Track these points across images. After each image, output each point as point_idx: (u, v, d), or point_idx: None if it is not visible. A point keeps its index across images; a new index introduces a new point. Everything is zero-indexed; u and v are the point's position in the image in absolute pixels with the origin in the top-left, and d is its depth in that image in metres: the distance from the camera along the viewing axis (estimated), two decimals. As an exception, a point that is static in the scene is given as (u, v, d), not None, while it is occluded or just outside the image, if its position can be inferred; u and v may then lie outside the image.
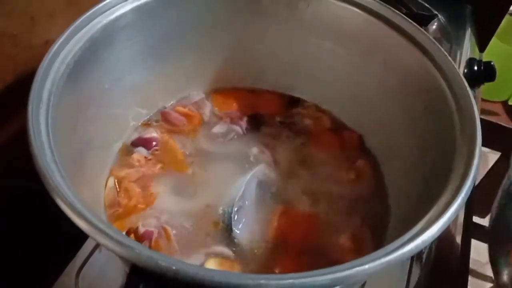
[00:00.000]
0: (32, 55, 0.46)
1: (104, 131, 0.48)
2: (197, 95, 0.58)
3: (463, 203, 0.32)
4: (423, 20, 0.72)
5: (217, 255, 0.43)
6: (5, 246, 0.47)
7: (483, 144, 0.36)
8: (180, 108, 0.56)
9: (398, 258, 0.28)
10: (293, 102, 0.60)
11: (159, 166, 0.50)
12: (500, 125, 0.93)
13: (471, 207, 0.60)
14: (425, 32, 0.46)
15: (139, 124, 0.54)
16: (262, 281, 0.26)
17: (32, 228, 0.50)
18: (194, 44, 0.54)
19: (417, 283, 0.46)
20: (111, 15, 0.44)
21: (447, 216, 0.31)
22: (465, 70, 0.70)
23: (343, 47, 0.53)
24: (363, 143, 0.55)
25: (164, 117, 0.55)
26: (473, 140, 0.36)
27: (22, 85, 0.35)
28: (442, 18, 0.77)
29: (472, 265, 0.55)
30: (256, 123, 0.57)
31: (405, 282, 0.46)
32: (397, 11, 0.48)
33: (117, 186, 0.48)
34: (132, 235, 0.44)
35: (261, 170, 0.51)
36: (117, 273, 0.43)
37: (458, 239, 0.56)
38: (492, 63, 0.69)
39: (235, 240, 0.45)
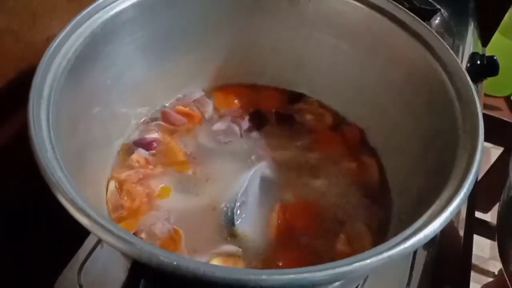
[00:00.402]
0: (34, 51, 0.46)
1: (106, 129, 0.48)
2: (198, 92, 0.58)
3: (465, 198, 0.32)
4: (426, 15, 0.72)
5: (221, 253, 0.43)
6: (7, 244, 0.47)
7: (486, 139, 0.36)
8: (181, 108, 0.56)
9: (399, 253, 0.28)
10: (295, 98, 0.59)
11: (159, 166, 0.50)
12: (503, 120, 0.93)
13: (473, 202, 0.60)
14: (428, 26, 0.45)
15: (141, 122, 0.54)
16: (264, 276, 0.26)
17: (34, 226, 0.50)
18: (196, 40, 0.54)
19: (419, 278, 0.46)
20: (112, 11, 0.44)
21: (449, 211, 0.31)
22: (468, 65, 0.70)
23: (345, 42, 0.53)
24: (365, 139, 0.55)
25: (164, 117, 0.55)
26: (476, 135, 0.36)
27: (24, 82, 0.35)
28: (445, 12, 0.77)
29: (474, 260, 0.55)
30: (258, 119, 0.56)
31: (407, 277, 0.46)
32: (399, 6, 0.48)
33: (119, 189, 0.48)
34: (143, 235, 0.44)
35: (263, 167, 0.51)
36: (119, 269, 0.43)
37: (461, 234, 0.56)
38: (495, 57, 0.69)
39: (238, 236, 0.45)
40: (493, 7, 0.83)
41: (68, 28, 0.40)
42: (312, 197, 0.49)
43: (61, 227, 0.33)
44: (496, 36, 0.87)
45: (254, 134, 0.55)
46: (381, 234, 0.45)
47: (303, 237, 0.46)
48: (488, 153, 1.02)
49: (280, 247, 0.45)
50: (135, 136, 0.53)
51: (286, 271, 0.26)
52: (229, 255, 0.43)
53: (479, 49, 0.83)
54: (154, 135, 0.53)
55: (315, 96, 0.59)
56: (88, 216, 0.28)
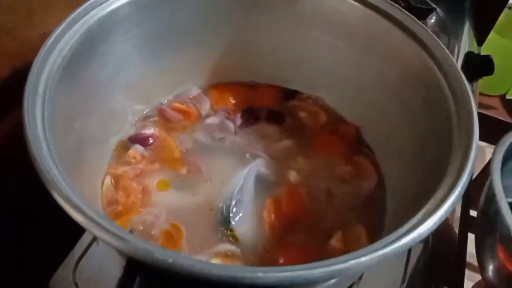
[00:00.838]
0: (30, 48, 0.45)
1: (102, 126, 0.48)
2: (195, 90, 0.58)
3: (460, 197, 0.32)
4: (422, 14, 0.72)
5: (220, 253, 0.43)
6: (7, 244, 0.47)
7: (480, 138, 0.36)
8: (177, 105, 0.56)
9: (394, 251, 0.29)
10: (291, 95, 0.59)
11: (156, 163, 0.50)
12: (498, 119, 0.93)
13: (468, 200, 0.60)
14: (424, 25, 0.46)
15: (137, 119, 0.54)
16: (259, 274, 0.26)
17: (30, 224, 0.50)
18: (192, 38, 0.54)
19: (414, 275, 0.46)
20: (108, 8, 0.44)
21: (444, 210, 0.31)
22: (463, 64, 0.70)
23: (342, 41, 0.53)
24: (361, 137, 0.55)
25: (160, 114, 0.55)
26: (470, 134, 0.36)
27: (19, 79, 0.35)
28: (441, 11, 0.77)
29: (469, 258, 0.56)
30: (253, 117, 0.56)
31: (401, 275, 0.46)
32: (395, 5, 0.48)
33: (115, 184, 0.47)
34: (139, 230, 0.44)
35: (258, 164, 0.51)
36: (115, 266, 0.43)
37: (455, 232, 0.57)
38: (490, 57, 0.69)
39: (234, 233, 0.45)
40: (489, 6, 0.83)
41: (63, 25, 0.40)
42: (307, 196, 0.49)
43: (61, 227, 0.33)
44: (492, 35, 0.87)
45: (248, 131, 0.55)
46: (376, 232, 0.45)
47: (299, 235, 0.46)
48: (482, 152, 1.02)
49: (276, 244, 0.45)
50: (131, 133, 0.52)
51: (281, 268, 0.26)
52: (227, 255, 0.44)
53: (475, 48, 0.83)
54: (150, 131, 0.53)
55: (312, 93, 0.59)
56: (83, 213, 0.28)
